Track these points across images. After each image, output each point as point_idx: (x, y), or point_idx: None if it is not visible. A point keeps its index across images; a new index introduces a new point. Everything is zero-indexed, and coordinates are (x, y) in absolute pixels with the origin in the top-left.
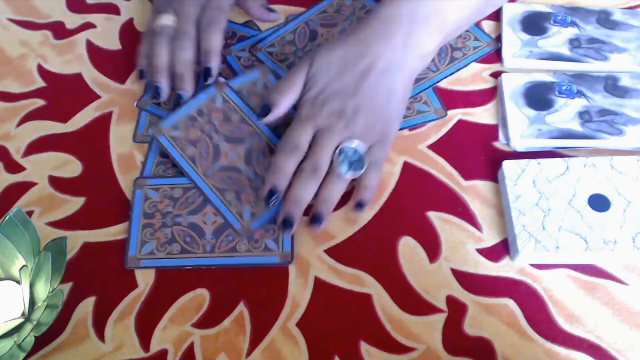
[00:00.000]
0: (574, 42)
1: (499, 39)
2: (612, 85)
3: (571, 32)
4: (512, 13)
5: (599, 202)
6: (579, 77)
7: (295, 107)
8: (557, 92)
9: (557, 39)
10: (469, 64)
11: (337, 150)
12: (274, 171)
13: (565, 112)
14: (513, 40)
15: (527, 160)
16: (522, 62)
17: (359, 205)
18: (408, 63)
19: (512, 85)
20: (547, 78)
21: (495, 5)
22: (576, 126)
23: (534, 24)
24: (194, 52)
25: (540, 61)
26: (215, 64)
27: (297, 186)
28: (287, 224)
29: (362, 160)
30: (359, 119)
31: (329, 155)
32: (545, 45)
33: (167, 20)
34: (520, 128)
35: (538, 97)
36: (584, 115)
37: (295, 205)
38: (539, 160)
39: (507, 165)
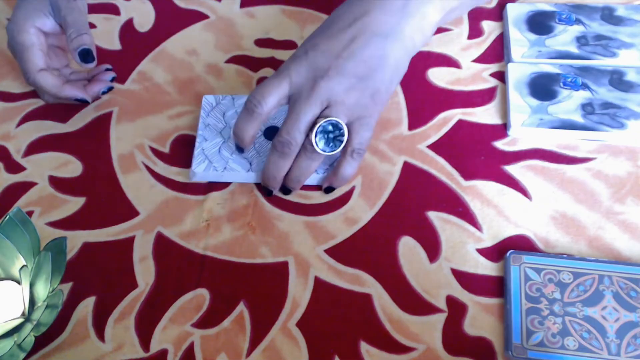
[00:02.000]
0: (581, 40)
1: (500, 38)
2: (617, 80)
3: (577, 29)
4: (516, 13)
5: (272, 133)
6: (585, 69)
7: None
8: (561, 84)
9: (564, 37)
10: None
11: (315, 125)
12: (235, 132)
13: (568, 103)
14: (521, 40)
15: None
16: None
17: (327, 190)
18: (406, 32)
19: (518, 74)
20: (553, 69)
21: None
22: (578, 117)
23: (539, 23)
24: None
25: (550, 60)
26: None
27: (270, 164)
28: (266, 192)
29: (342, 135)
30: (341, 83)
31: (304, 129)
32: (553, 44)
33: None
34: (522, 117)
35: (542, 87)
36: (587, 107)
37: (270, 180)
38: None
39: (206, 99)
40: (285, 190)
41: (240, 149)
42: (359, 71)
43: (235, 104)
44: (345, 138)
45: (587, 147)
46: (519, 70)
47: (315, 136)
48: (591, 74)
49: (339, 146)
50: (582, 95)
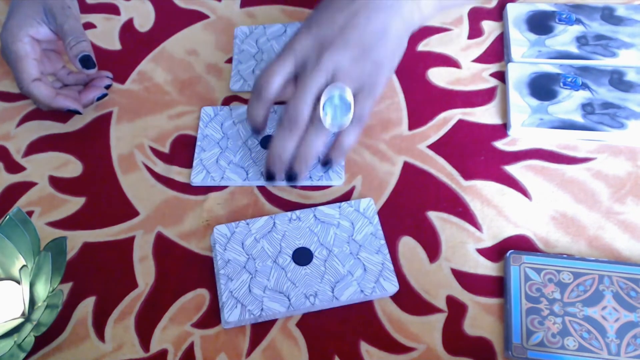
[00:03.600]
0: (581, 40)
1: (500, 38)
2: (617, 80)
3: (577, 29)
4: (516, 13)
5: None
6: (585, 69)
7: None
8: (561, 84)
9: (564, 37)
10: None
11: (322, 96)
12: (248, 118)
13: (568, 103)
14: (521, 40)
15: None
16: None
17: (326, 164)
18: (405, 8)
19: (518, 74)
20: (553, 69)
21: None
22: (578, 117)
23: (539, 23)
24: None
25: (550, 60)
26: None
27: (276, 142)
28: (269, 177)
29: (349, 108)
30: (346, 53)
31: (311, 102)
32: (553, 44)
33: None
34: (522, 117)
35: (542, 87)
36: (587, 107)
37: (276, 161)
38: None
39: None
40: (291, 176)
41: (256, 132)
42: (364, 42)
43: (232, 115)
44: (352, 109)
45: (587, 147)
46: (519, 70)
47: (323, 109)
48: (591, 74)
49: (347, 118)
50: (582, 95)
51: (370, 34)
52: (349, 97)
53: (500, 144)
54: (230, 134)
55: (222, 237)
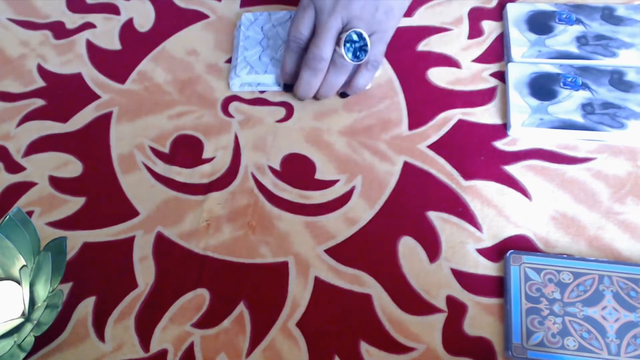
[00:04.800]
0: (581, 40)
1: (500, 38)
2: (617, 80)
3: (577, 29)
4: (516, 13)
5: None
6: (585, 69)
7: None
8: (561, 84)
9: (564, 37)
10: None
11: (342, 37)
12: (282, 69)
13: (568, 103)
14: (521, 40)
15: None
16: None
17: (342, 95)
18: None
19: (518, 74)
20: (554, 69)
21: None
22: (578, 117)
23: (539, 23)
24: None
25: (550, 60)
26: None
27: (302, 83)
28: (287, 88)
29: (366, 45)
30: (358, 2)
31: (332, 42)
32: (553, 44)
33: None
34: (522, 117)
35: (542, 87)
36: (587, 107)
37: (304, 97)
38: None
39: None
40: (316, 98)
41: (288, 86)
42: None
43: (272, 19)
44: (369, 47)
45: (587, 147)
46: (519, 70)
47: (344, 47)
48: (591, 74)
49: (365, 55)
50: (582, 95)
51: None
52: (365, 35)
53: (500, 144)
54: (270, 35)
55: (247, 21)
